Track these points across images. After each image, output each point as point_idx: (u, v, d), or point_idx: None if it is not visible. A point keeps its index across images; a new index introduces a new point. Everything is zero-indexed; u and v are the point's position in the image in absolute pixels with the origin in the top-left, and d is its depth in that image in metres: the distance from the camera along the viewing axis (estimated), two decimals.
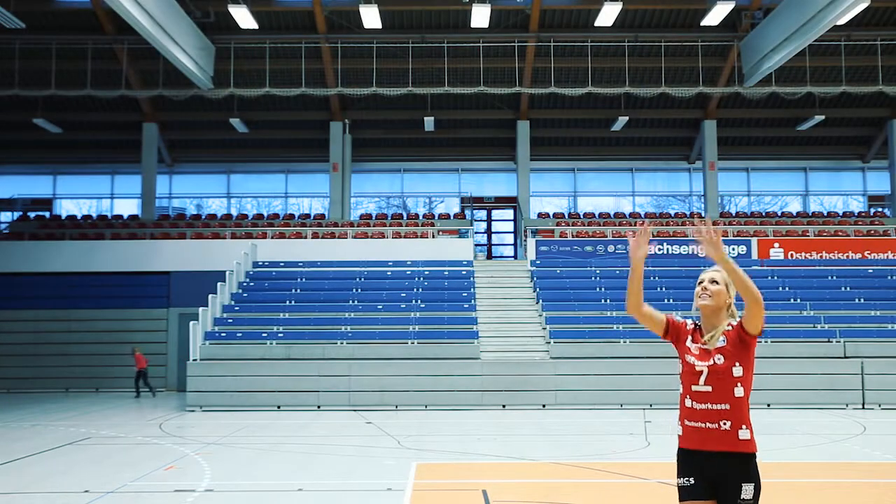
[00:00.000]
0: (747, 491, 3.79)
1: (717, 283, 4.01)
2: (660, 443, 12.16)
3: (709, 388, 3.88)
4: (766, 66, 22.49)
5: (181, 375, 20.73)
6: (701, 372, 3.91)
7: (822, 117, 26.23)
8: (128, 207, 28.61)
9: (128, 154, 27.71)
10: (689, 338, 4.06)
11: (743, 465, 3.82)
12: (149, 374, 21.10)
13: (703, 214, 27.06)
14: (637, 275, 4.15)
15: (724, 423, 3.84)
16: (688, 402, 3.96)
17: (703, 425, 3.88)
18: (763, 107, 26.81)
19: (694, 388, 3.92)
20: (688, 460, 3.94)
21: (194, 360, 17.68)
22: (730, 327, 3.96)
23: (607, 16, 21.97)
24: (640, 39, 24.54)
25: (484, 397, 17.34)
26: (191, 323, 18.14)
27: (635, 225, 25.66)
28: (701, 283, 4.05)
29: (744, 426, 3.84)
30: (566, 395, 17.24)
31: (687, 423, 3.96)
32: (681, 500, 3.93)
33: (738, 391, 3.87)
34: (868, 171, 29.11)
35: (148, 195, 26.67)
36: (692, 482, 3.91)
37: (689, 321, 4.17)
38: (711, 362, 3.91)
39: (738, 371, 3.89)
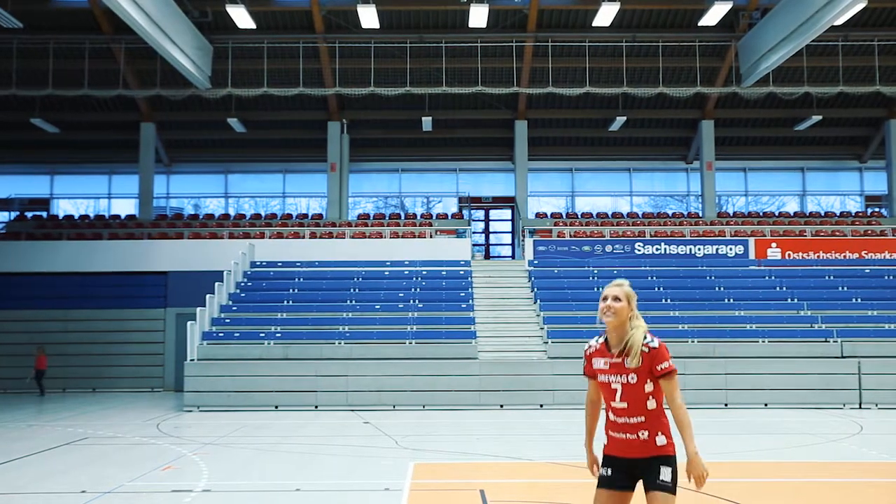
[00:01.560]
0: (665, 473, 4.14)
1: (619, 299, 4.27)
2: None
3: (624, 405, 4.23)
4: (763, 66, 22.52)
5: (178, 376, 20.73)
6: (616, 390, 4.25)
7: (820, 117, 26.26)
8: (125, 207, 28.60)
9: (125, 154, 27.69)
10: (599, 359, 4.36)
11: (663, 462, 4.18)
12: (45, 376, 21.21)
13: (700, 214, 27.10)
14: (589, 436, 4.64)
15: (643, 433, 4.21)
16: (610, 416, 4.33)
17: (623, 436, 4.26)
18: (760, 107, 26.84)
19: (612, 403, 4.28)
20: (612, 464, 4.31)
21: (192, 360, 17.66)
22: (646, 349, 4.20)
23: (605, 16, 22.00)
24: (637, 39, 24.56)
25: (482, 397, 17.34)
26: (188, 323, 18.12)
27: (632, 224, 25.70)
28: (605, 299, 4.29)
29: (660, 433, 4.20)
30: (564, 394, 17.25)
31: (610, 433, 4.34)
32: (598, 486, 4.30)
33: (651, 404, 4.21)
34: (865, 172, 29.15)
35: (145, 195, 26.65)
36: (610, 473, 4.29)
37: (593, 341, 4.45)
38: (625, 380, 4.22)
39: (649, 387, 4.20)
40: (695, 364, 17.43)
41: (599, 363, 4.37)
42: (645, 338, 4.22)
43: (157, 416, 16.18)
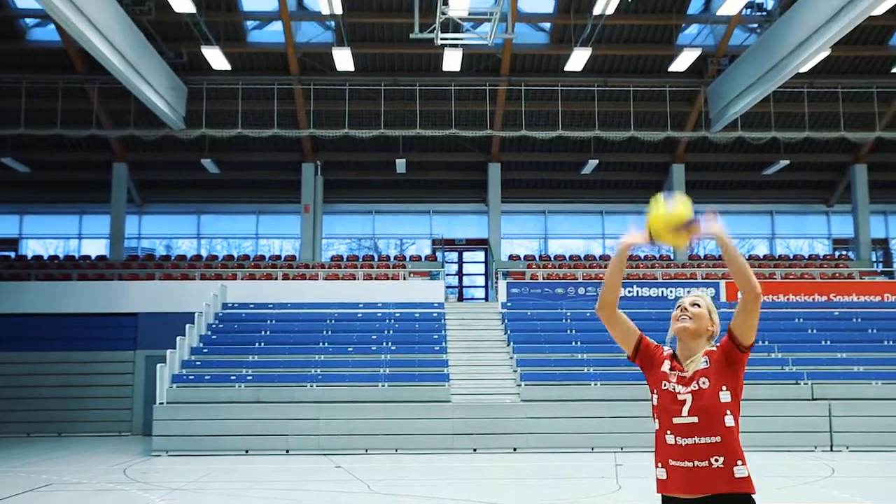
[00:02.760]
0: None
1: (698, 305, 3.64)
2: (631, 487, 12.13)
3: (695, 419, 3.38)
4: (732, 111, 22.92)
5: (147, 419, 20.35)
6: (684, 401, 3.43)
7: (787, 162, 26.70)
8: (96, 248, 28.33)
9: (97, 194, 27.47)
10: (668, 363, 3.61)
11: (743, 502, 3.35)
12: None
13: (671, 257, 27.33)
14: (619, 265, 3.69)
15: (716, 460, 3.35)
16: (669, 439, 3.42)
17: (691, 464, 3.35)
18: (730, 151, 27.26)
19: (676, 420, 3.42)
20: None
21: (161, 403, 17.41)
22: (713, 347, 3.58)
23: (577, 61, 22.33)
24: (609, 84, 24.93)
25: (455, 440, 17.21)
26: (158, 365, 17.89)
27: (605, 267, 25.79)
28: (680, 305, 3.65)
29: (739, 462, 3.38)
30: (537, 437, 17.17)
31: (671, 462, 3.40)
32: None
33: (729, 420, 3.40)
34: (832, 215, 29.60)
35: (116, 235, 26.43)
36: None
37: (666, 348, 3.72)
38: (696, 387, 3.44)
39: (725, 396, 3.43)
40: None
41: (666, 366, 3.58)
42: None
43: (125, 461, 15.88)
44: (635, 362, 3.75)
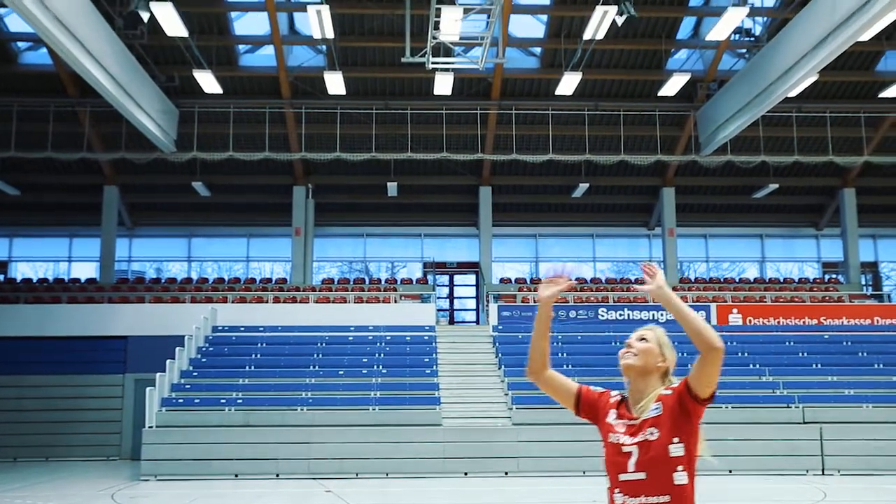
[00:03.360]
0: None
1: (646, 340, 3.26)
2: None
3: (642, 476, 3.03)
4: (721, 135, 23.06)
5: (136, 443, 20.18)
6: (629, 454, 3.07)
7: (777, 186, 26.84)
8: (86, 271, 28.21)
9: (87, 217, 27.40)
10: (613, 412, 3.25)
11: None
12: None
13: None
14: (542, 325, 3.37)
15: None
16: (617, 498, 3.09)
17: None
18: (719, 175, 27.39)
19: (622, 476, 3.08)
20: None
21: (150, 427, 17.28)
22: (668, 391, 3.14)
23: (567, 85, 22.47)
24: (599, 108, 25.08)
25: (446, 464, 17.12)
26: (147, 389, 17.77)
27: (596, 290, 25.87)
28: (627, 342, 3.30)
29: None
30: (529, 461, 17.09)
31: None
32: None
33: (680, 477, 3.03)
34: (822, 239, 29.74)
35: (107, 258, 26.33)
36: None
37: (615, 392, 3.37)
38: (643, 438, 3.06)
39: (677, 450, 3.04)
40: None
41: (612, 416, 3.23)
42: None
43: (112, 486, 15.73)
44: (580, 416, 3.42)
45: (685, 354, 3.60)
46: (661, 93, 23.87)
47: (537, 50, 24.35)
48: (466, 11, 17.86)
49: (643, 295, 24.75)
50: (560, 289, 3.33)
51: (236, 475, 16.83)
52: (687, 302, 22.07)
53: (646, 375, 3.21)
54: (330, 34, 19.39)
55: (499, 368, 20.37)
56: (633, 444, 3.07)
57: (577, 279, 27.28)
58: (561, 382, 3.42)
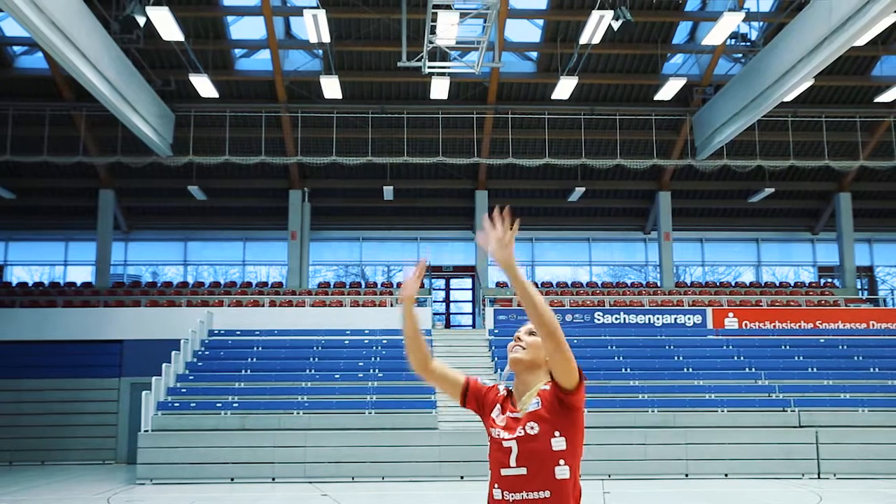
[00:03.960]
0: None
1: (534, 334, 3.19)
2: None
3: (523, 471, 2.97)
4: (717, 139, 23.11)
5: (132, 447, 20.16)
6: (509, 449, 3.02)
7: (773, 190, 26.90)
8: (82, 275, 28.17)
9: (83, 220, 27.39)
10: (498, 407, 3.22)
11: None
12: None
13: (658, 284, 27.42)
14: (408, 320, 3.30)
15: None
16: (496, 493, 3.05)
17: None
18: (715, 179, 27.43)
19: (503, 471, 3.02)
20: None
21: (146, 430, 17.25)
22: (547, 386, 3.07)
23: (563, 89, 22.51)
24: (595, 113, 25.11)
25: (442, 468, 17.11)
26: (143, 392, 17.75)
27: (592, 294, 25.89)
28: (516, 335, 3.25)
29: None
30: None
31: None
32: None
33: (562, 472, 2.95)
34: (817, 243, 29.78)
35: (102, 262, 26.30)
36: None
37: (502, 386, 3.33)
38: (522, 433, 3.01)
39: (559, 443, 2.97)
40: (655, 434, 17.41)
41: (496, 411, 3.21)
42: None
43: (108, 490, 15.70)
44: (466, 407, 3.39)
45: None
46: (658, 97, 23.91)
47: (533, 54, 24.38)
48: (463, 16, 17.88)
49: (638, 299, 24.81)
50: (415, 280, 3.28)
51: (232, 479, 16.80)
52: (683, 306, 22.14)
53: (534, 369, 3.14)
54: (326, 38, 19.41)
55: (495, 372, 20.36)
56: (513, 439, 3.02)
57: (572, 283, 27.30)
58: (447, 374, 3.36)
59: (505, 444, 3.03)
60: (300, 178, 26.74)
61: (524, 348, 3.16)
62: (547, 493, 2.91)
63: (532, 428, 2.97)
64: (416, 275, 3.28)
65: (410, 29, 20.59)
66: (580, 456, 3.00)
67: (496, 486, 3.04)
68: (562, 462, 2.94)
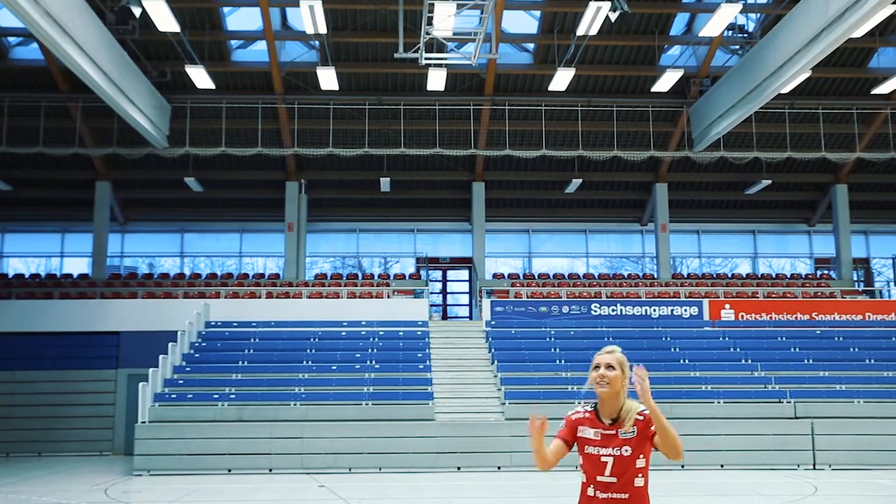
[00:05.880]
0: None
1: (613, 368, 4.05)
2: None
3: (613, 479, 3.98)
4: (714, 131, 23.12)
5: (129, 438, 20.20)
6: (606, 463, 4.00)
7: (769, 182, 26.93)
8: (78, 266, 28.15)
9: (79, 212, 27.36)
10: (587, 428, 4.12)
11: None
12: None
13: (655, 276, 27.46)
14: (538, 447, 4.16)
15: None
16: (590, 491, 4.04)
17: None
18: (712, 171, 27.46)
19: (599, 478, 4.01)
20: None
21: (143, 422, 17.26)
22: (640, 417, 4.01)
23: (560, 81, 22.48)
24: (592, 104, 25.10)
25: (439, 459, 17.15)
26: (140, 384, 17.75)
27: (589, 286, 25.92)
28: (597, 368, 4.07)
29: None
30: (521, 456, 17.12)
31: None
32: None
33: (639, 481, 3.99)
34: (814, 235, 29.84)
35: (99, 254, 26.28)
36: None
37: (575, 410, 4.23)
38: (618, 453, 4.00)
39: (640, 462, 4.00)
40: None
41: (588, 433, 4.11)
42: (639, 406, 4.04)
43: (106, 481, 15.73)
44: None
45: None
46: (654, 89, 23.90)
47: (530, 46, 24.36)
48: (459, 7, 17.84)
49: (635, 290, 24.86)
50: (538, 435, 4.13)
51: (229, 470, 16.84)
52: (679, 297, 22.17)
53: (616, 396, 4.06)
54: (322, 29, 19.36)
55: (491, 363, 20.40)
56: (610, 456, 4.01)
57: (569, 275, 27.34)
58: (559, 452, 4.21)
59: (602, 459, 4.02)
60: (297, 170, 26.72)
61: (608, 383, 4.04)
62: (626, 496, 3.96)
63: (626, 451, 3.99)
64: (538, 433, 4.12)
65: (407, 20, 20.56)
66: (648, 471, 4.04)
67: (591, 486, 4.04)
68: (640, 475, 4.00)
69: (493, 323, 22.52)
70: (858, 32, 17.22)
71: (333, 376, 19.33)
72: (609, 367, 4.06)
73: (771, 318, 23.22)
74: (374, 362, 20.03)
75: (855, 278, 28.63)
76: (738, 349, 20.95)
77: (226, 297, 23.81)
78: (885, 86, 23.51)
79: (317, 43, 23.20)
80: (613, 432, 4.03)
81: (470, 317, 28.01)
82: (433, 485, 14.89)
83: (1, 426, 21.56)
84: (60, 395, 22.14)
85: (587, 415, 4.16)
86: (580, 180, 26.66)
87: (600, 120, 25.56)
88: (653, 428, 3.94)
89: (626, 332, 21.92)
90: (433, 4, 17.42)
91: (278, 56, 23.28)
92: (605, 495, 3.98)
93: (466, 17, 19.56)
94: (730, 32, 22.39)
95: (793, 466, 17.20)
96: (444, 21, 18.14)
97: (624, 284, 26.15)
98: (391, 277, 26.70)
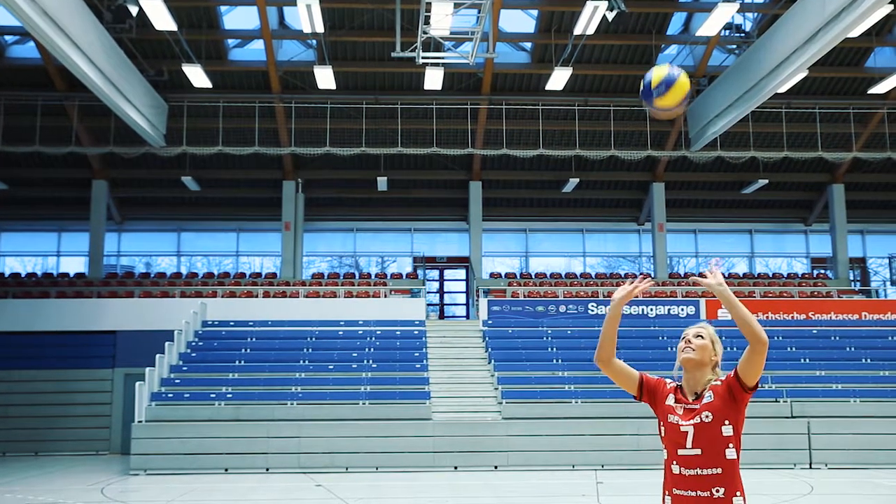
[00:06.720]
0: None
1: (702, 337, 3.79)
2: None
3: (698, 451, 3.57)
4: (711, 131, 23.13)
5: (125, 438, 20.16)
6: (686, 433, 3.61)
7: (766, 181, 26.94)
8: (74, 265, 28.10)
9: (76, 211, 27.31)
10: (671, 396, 3.77)
11: None
12: None
13: (652, 275, 27.49)
14: (613, 320, 3.88)
15: (717, 491, 3.52)
16: (674, 468, 3.64)
17: (693, 494, 3.53)
18: (709, 170, 27.46)
19: (680, 451, 3.62)
20: None
21: (139, 421, 17.25)
22: (718, 381, 3.69)
23: (557, 80, 22.48)
24: (589, 104, 25.09)
25: (436, 458, 17.16)
26: (137, 383, 17.74)
27: (586, 285, 25.93)
28: (685, 337, 3.80)
29: (738, 493, 3.54)
30: (518, 455, 17.14)
31: (675, 491, 3.61)
32: None
33: (730, 453, 3.58)
34: (810, 234, 29.87)
35: (95, 253, 26.24)
36: None
37: (669, 380, 3.88)
38: (698, 420, 3.60)
39: (727, 430, 3.60)
40: (648, 425, 17.46)
41: (671, 399, 3.74)
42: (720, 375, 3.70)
43: (102, 481, 15.71)
44: (642, 401, 3.91)
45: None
46: None
47: (528, 45, 24.35)
48: (457, 6, 17.84)
49: (650, 290, 24.85)
50: (633, 295, 3.91)
51: (226, 469, 16.83)
52: (676, 297, 22.18)
53: (701, 367, 3.73)
54: (320, 28, 19.35)
55: (489, 363, 20.40)
56: (690, 425, 3.60)
57: (566, 274, 27.36)
58: (625, 370, 3.88)
59: (682, 428, 3.62)
60: (294, 169, 26.70)
61: (694, 349, 3.74)
62: (719, 470, 3.52)
63: (707, 417, 3.58)
64: (633, 291, 3.89)
65: (404, 19, 20.55)
66: (741, 441, 3.63)
67: (674, 462, 3.64)
68: (730, 445, 3.57)
69: (489, 322, 22.53)
70: (855, 32, 17.24)
71: (330, 376, 19.33)
72: (698, 335, 3.79)
73: (767, 317, 23.25)
74: (370, 362, 20.03)
75: (851, 278, 28.65)
76: (734, 349, 20.84)
77: (222, 297, 23.80)
78: (882, 85, 23.54)
79: (314, 42, 23.18)
80: (697, 407, 3.65)
81: (467, 316, 28.01)
82: (430, 484, 14.89)
83: None
84: (57, 394, 22.10)
85: (673, 385, 3.85)
86: (577, 180, 26.66)
87: (597, 119, 25.55)
88: (743, 379, 3.59)
89: (622, 331, 21.63)
90: (430, 3, 17.42)
91: (275, 55, 23.25)
92: (691, 472, 3.56)
93: (463, 16, 19.54)
94: (727, 32, 22.38)
95: (789, 466, 17.23)
96: (442, 20, 18.14)
97: (620, 284, 26.07)
98: (388, 277, 26.70)
